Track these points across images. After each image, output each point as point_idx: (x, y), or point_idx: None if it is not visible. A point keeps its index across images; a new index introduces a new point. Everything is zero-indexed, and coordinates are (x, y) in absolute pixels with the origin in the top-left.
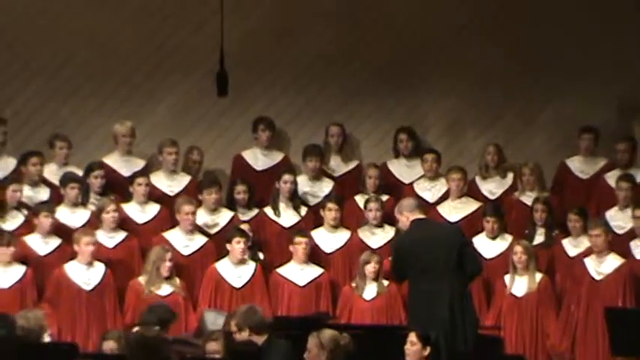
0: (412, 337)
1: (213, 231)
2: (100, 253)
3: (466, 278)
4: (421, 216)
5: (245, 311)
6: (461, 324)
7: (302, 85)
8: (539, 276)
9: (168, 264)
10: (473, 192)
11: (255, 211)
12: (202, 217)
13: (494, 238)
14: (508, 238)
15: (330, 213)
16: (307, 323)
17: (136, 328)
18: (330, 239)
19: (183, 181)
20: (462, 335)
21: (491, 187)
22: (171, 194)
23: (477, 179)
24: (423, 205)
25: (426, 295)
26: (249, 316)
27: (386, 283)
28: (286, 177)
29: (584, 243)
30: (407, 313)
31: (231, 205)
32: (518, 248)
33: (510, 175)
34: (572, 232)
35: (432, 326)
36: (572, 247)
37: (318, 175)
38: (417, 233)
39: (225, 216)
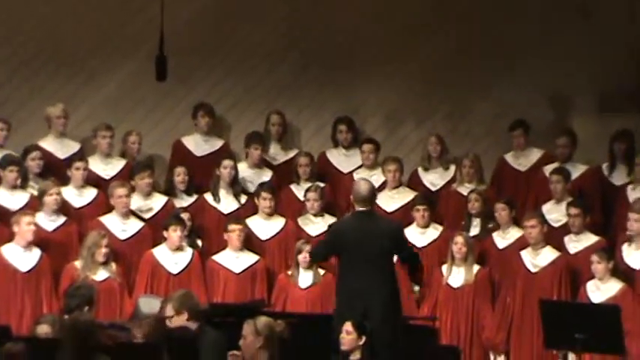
0: (348, 326)
1: (147, 216)
2: (38, 236)
3: (395, 275)
4: (364, 208)
5: (182, 295)
6: (392, 318)
7: (242, 71)
8: (476, 268)
9: (104, 250)
10: (415, 183)
11: (195, 197)
12: (136, 201)
13: (424, 227)
14: (439, 228)
15: (264, 202)
16: (243, 310)
17: (66, 316)
18: (265, 226)
19: (118, 164)
20: (391, 329)
21: (433, 179)
22: (107, 178)
23: (420, 170)
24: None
25: (356, 287)
26: (187, 299)
27: (322, 272)
28: (226, 162)
29: (513, 234)
30: (335, 302)
31: (170, 190)
32: (459, 239)
33: (452, 167)
34: (500, 221)
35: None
36: (500, 239)
37: (259, 163)
38: (356, 224)
39: (159, 201)
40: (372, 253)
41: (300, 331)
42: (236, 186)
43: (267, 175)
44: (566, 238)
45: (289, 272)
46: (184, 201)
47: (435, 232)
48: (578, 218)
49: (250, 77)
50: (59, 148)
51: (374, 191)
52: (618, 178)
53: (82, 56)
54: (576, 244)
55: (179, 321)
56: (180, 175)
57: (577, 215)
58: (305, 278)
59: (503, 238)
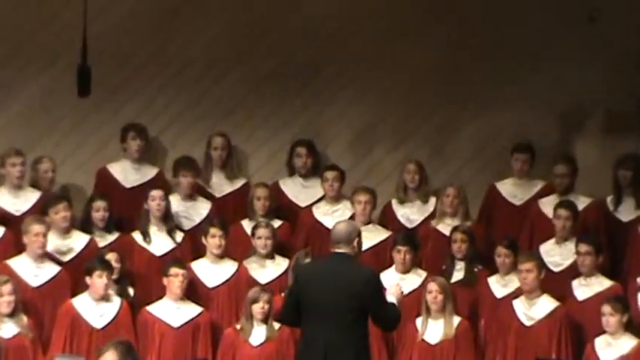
0: None
1: (66, 258)
2: None
3: (367, 329)
4: (341, 250)
5: (123, 342)
6: None
7: (181, 85)
8: (457, 320)
9: (6, 298)
10: (388, 218)
11: (115, 235)
12: (52, 241)
13: (405, 272)
14: (422, 274)
15: (213, 240)
16: None
17: None
18: (213, 271)
19: (31, 197)
20: None
21: (410, 214)
22: (17, 214)
23: (394, 203)
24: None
25: (317, 344)
26: (129, 349)
27: (277, 326)
28: (154, 193)
29: (515, 282)
30: None
31: (86, 226)
32: (432, 286)
33: (432, 200)
34: (501, 268)
35: None
36: (500, 286)
37: (192, 193)
38: (325, 268)
39: (80, 240)
40: (338, 304)
41: None
42: (169, 221)
43: (204, 209)
44: (575, 282)
45: (238, 326)
46: (103, 239)
47: (417, 278)
48: (589, 257)
49: (190, 93)
50: None
51: (357, 232)
52: (625, 212)
53: None
54: (585, 288)
55: None
56: (99, 210)
57: (588, 253)
58: (257, 333)
59: (503, 286)
